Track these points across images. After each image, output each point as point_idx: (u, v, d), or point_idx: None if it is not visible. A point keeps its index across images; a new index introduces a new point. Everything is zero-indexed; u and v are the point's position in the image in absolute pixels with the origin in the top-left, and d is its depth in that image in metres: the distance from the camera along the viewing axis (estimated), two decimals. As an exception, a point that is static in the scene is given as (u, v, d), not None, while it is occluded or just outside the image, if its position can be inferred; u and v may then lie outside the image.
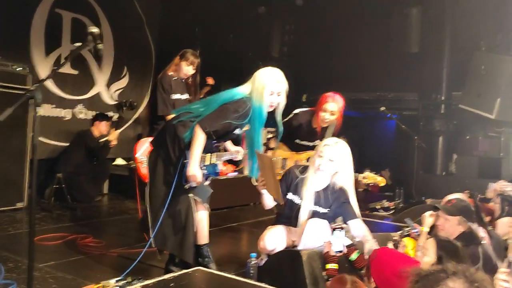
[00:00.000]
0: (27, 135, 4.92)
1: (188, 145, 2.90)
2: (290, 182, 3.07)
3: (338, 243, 2.47)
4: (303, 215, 2.94)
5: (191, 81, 4.19)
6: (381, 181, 3.72)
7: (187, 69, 4.06)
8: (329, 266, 2.43)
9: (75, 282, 2.88)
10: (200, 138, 2.83)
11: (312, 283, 2.49)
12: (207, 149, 2.95)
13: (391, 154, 8.35)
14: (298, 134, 3.87)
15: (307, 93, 8.23)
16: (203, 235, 3.11)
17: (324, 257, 2.49)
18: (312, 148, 3.89)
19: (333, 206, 2.95)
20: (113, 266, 3.33)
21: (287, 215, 3.07)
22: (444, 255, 2.20)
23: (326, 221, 2.90)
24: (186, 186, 2.97)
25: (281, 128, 3.15)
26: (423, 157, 7.26)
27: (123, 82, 7.02)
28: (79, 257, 3.54)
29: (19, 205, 4.90)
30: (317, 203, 2.96)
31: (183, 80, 4.13)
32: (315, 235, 2.77)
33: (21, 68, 4.96)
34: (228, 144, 3.27)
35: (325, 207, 2.95)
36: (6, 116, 1.96)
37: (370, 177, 3.71)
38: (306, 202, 2.94)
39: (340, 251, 2.46)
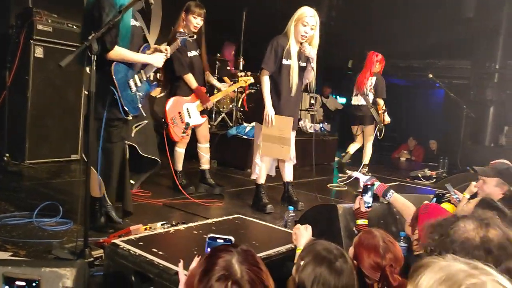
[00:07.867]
0: (82, 90, 5.20)
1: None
2: (281, 50, 3.75)
3: (369, 199, 2.53)
4: (294, 71, 3.75)
5: (198, 33, 4.07)
6: None
7: (196, 21, 3.99)
8: (359, 221, 2.51)
9: (125, 224, 3.10)
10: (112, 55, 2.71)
11: (347, 235, 2.58)
12: (131, 74, 2.88)
13: (438, 124, 8.15)
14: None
15: (353, 59, 8.09)
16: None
17: (355, 213, 2.56)
18: None
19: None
20: (158, 213, 3.56)
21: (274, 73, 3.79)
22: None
23: None
24: (130, 117, 2.90)
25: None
26: (472, 127, 7.06)
27: (171, 44, 7.18)
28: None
29: (74, 156, 5.24)
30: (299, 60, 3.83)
31: (195, 36, 4.02)
32: None
33: (76, 27, 5.18)
34: None
35: (303, 61, 3.84)
36: (67, 62, 2.11)
37: None
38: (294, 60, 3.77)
39: (370, 207, 2.52)
